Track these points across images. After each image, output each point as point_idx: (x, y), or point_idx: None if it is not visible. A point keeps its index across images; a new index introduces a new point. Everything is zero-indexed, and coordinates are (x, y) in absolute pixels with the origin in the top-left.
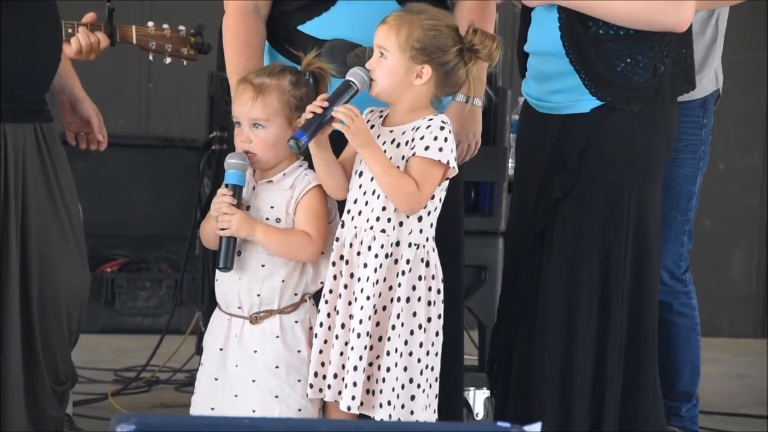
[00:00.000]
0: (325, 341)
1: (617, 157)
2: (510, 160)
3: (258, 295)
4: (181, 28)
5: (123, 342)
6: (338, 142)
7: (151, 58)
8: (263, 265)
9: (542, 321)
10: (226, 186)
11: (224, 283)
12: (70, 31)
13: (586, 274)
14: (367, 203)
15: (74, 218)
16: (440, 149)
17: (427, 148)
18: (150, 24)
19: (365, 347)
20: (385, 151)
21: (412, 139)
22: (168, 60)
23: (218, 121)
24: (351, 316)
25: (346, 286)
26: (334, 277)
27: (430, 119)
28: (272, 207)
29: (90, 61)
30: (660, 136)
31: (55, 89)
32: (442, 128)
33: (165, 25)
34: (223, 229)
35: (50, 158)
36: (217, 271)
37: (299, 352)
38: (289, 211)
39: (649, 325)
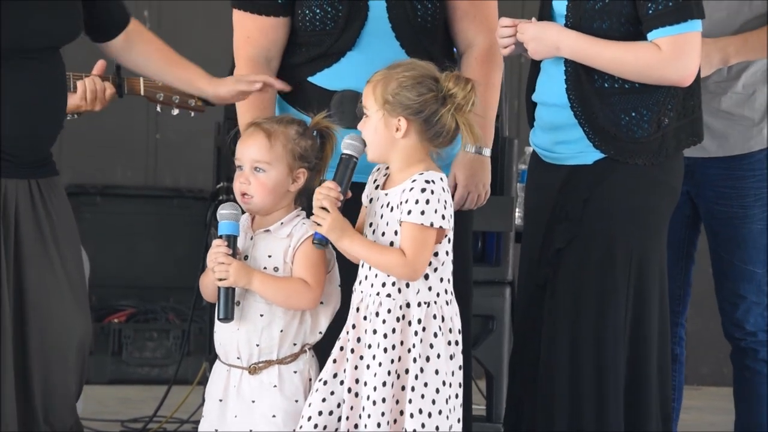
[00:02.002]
0: (329, 395)
1: (619, 210)
2: (517, 210)
3: (257, 345)
4: None
5: (130, 393)
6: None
7: (158, 109)
8: (262, 315)
9: (547, 371)
10: (220, 237)
11: (223, 334)
12: (78, 82)
13: (587, 327)
14: (371, 267)
15: (72, 270)
16: (422, 212)
17: (409, 212)
18: None
19: (382, 414)
20: (382, 216)
21: (401, 203)
22: (175, 111)
23: (225, 172)
24: (357, 381)
25: (353, 351)
26: (341, 349)
27: (414, 180)
28: (270, 256)
29: (96, 112)
30: (663, 189)
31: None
32: (423, 190)
33: None
34: (220, 280)
35: (46, 212)
36: (216, 322)
37: (296, 402)
38: (287, 259)
39: (651, 373)
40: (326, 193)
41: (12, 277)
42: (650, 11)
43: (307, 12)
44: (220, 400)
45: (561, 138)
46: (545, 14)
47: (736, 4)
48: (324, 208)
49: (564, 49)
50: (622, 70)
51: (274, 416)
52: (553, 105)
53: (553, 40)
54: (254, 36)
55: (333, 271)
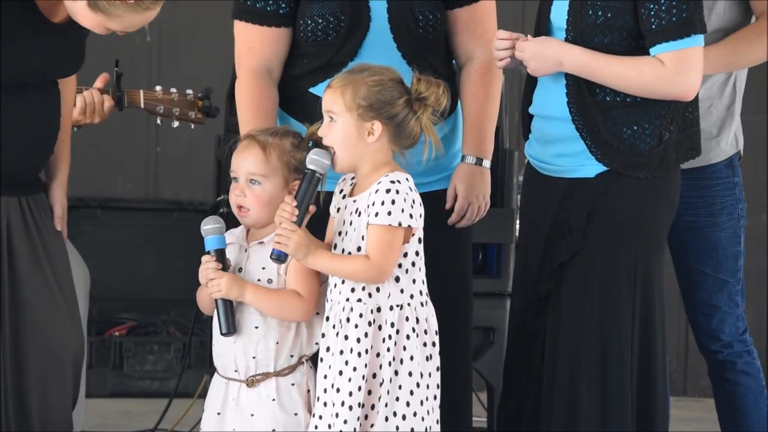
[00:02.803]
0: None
1: (623, 223)
2: (517, 222)
3: (253, 357)
4: (189, 91)
5: (131, 406)
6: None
7: (159, 122)
8: (257, 327)
9: (549, 385)
10: (208, 253)
11: (221, 347)
12: (78, 96)
13: (592, 341)
14: None
15: (65, 285)
16: (389, 213)
17: (377, 214)
18: (158, 88)
19: (357, 418)
20: (351, 223)
21: (368, 206)
22: (176, 124)
23: (226, 184)
24: (326, 391)
25: (322, 360)
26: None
27: (379, 182)
28: (264, 268)
29: (96, 125)
30: (664, 202)
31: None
32: (388, 190)
33: (173, 89)
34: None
35: (37, 229)
36: (214, 335)
37: (296, 414)
38: (281, 271)
39: (658, 392)
40: (284, 210)
41: (8, 294)
42: (653, 26)
43: (309, 22)
44: (218, 413)
45: (560, 151)
46: (542, 27)
47: None
48: (285, 228)
49: (567, 65)
50: (625, 85)
51: (273, 430)
52: (552, 118)
53: (555, 56)
54: (256, 47)
55: (327, 281)
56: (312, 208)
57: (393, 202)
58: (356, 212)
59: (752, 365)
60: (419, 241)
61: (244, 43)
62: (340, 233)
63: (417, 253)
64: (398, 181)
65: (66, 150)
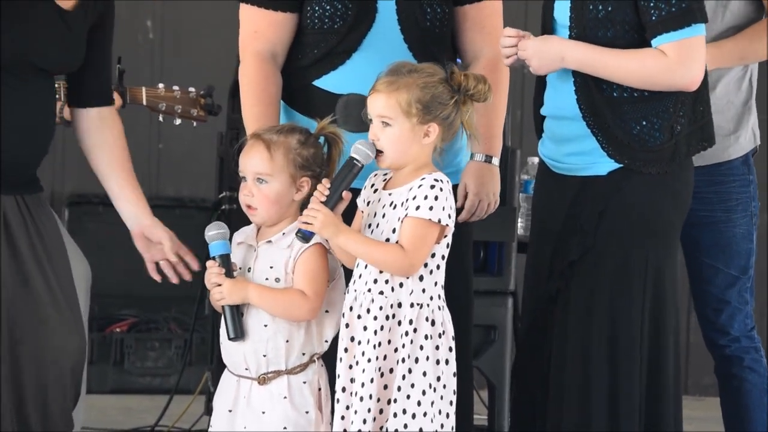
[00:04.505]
0: (347, 407)
1: (635, 221)
2: (519, 220)
3: (264, 356)
4: (191, 89)
5: (132, 402)
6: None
7: (161, 119)
8: (266, 325)
9: (557, 384)
10: (213, 258)
11: (230, 345)
12: None
13: (602, 337)
14: (366, 266)
15: (65, 283)
16: (430, 208)
17: (417, 208)
18: (160, 85)
19: (368, 410)
20: (384, 215)
21: (407, 200)
22: (178, 121)
23: (228, 181)
24: (352, 380)
25: (346, 350)
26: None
27: (423, 178)
28: (271, 267)
29: None
30: (676, 198)
31: (125, 219)
32: (432, 186)
33: (175, 87)
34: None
35: (35, 227)
36: (222, 335)
37: (307, 413)
38: (288, 270)
39: (668, 392)
40: (316, 190)
41: (9, 294)
42: (653, 17)
43: (317, 8)
44: (230, 411)
45: (573, 149)
46: (547, 26)
47: (709, 16)
48: (312, 208)
49: (569, 60)
50: (628, 78)
51: (285, 428)
52: (563, 118)
53: (556, 52)
54: (262, 30)
55: (338, 279)
56: (347, 195)
57: (436, 198)
58: (391, 205)
59: (759, 363)
60: (447, 245)
61: (249, 26)
62: (369, 226)
63: (443, 257)
64: (441, 181)
65: (138, 192)
